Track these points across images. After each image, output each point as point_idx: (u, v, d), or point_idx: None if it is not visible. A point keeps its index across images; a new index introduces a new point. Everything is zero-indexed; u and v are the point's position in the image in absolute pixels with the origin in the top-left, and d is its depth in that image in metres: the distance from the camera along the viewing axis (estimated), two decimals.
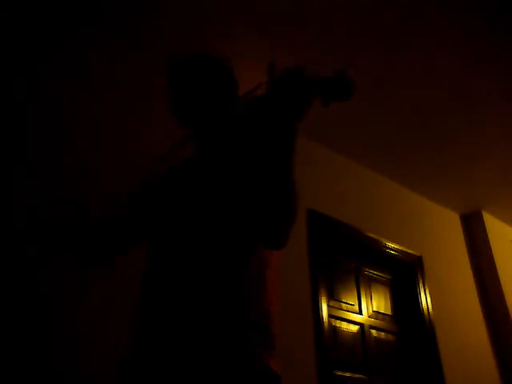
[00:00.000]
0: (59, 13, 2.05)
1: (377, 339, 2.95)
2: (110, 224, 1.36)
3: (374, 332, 2.96)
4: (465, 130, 3.00)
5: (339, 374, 2.59)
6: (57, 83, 2.01)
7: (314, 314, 2.50)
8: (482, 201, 3.91)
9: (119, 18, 2.15)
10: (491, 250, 3.84)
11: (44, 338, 1.60)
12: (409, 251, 3.33)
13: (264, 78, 0.97)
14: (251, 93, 1.02)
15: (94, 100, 2.08)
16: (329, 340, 2.55)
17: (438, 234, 3.73)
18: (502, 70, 2.54)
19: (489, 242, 3.88)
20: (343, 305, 2.84)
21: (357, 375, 2.71)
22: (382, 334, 3.02)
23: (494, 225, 4.09)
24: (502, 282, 3.73)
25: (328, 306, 2.66)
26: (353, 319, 2.85)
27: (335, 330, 2.71)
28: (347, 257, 3.04)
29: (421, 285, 3.28)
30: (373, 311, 3.03)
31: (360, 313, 2.93)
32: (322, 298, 2.59)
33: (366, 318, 2.95)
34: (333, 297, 2.79)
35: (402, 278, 3.32)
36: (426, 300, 3.24)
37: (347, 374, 2.65)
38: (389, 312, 3.15)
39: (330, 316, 2.68)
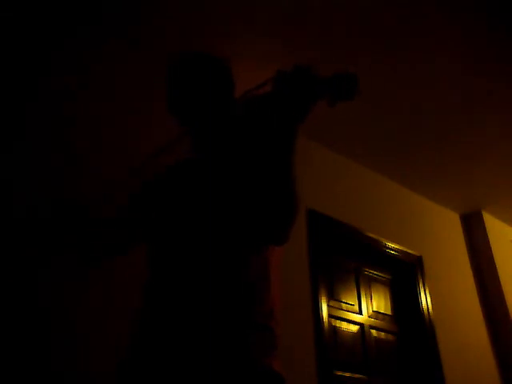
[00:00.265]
0: (59, 13, 2.05)
1: (377, 339, 2.95)
2: (110, 224, 1.36)
3: (374, 332, 2.96)
4: (465, 130, 3.00)
5: (339, 373, 2.59)
6: (57, 83, 2.01)
7: (314, 314, 2.50)
8: (482, 201, 3.91)
9: (119, 17, 2.15)
10: (491, 250, 3.84)
11: (44, 338, 1.60)
12: (409, 251, 3.33)
13: (266, 77, 0.97)
14: (256, 89, 1.02)
15: (93, 100, 2.08)
16: (329, 340, 2.55)
17: (438, 234, 3.73)
18: (502, 69, 2.54)
19: (489, 241, 3.88)
20: (343, 305, 2.84)
21: (357, 375, 2.71)
22: (382, 334, 3.02)
23: (493, 225, 4.09)
24: (502, 282, 3.73)
25: (328, 306, 2.66)
26: (353, 319, 2.85)
27: (335, 330, 2.71)
28: (347, 257, 3.04)
29: (421, 285, 3.28)
30: (373, 311, 3.03)
31: (360, 313, 2.93)
32: (322, 297, 2.59)
33: (366, 318, 2.95)
34: (333, 297, 2.79)
35: (402, 278, 3.32)
36: (426, 300, 3.24)
37: (347, 374, 2.65)
38: (389, 312, 3.15)
39: (330, 316, 2.68)
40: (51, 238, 1.68)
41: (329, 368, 2.46)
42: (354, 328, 2.85)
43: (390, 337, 3.07)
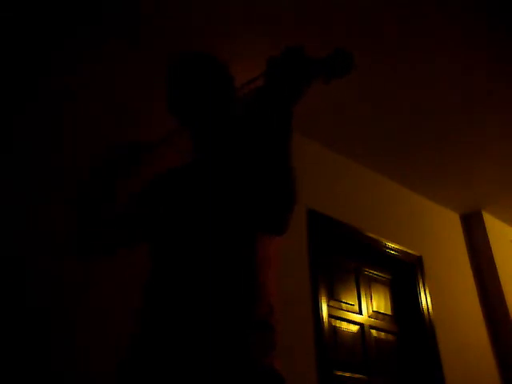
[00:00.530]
0: (59, 13, 2.05)
1: (377, 339, 2.95)
2: (109, 224, 1.36)
3: (374, 332, 2.96)
4: (465, 129, 3.00)
5: (339, 373, 2.59)
6: (57, 83, 2.01)
7: (314, 314, 2.50)
8: (482, 201, 3.91)
9: (119, 17, 2.15)
10: (491, 250, 3.84)
11: (44, 338, 1.60)
12: (409, 251, 3.33)
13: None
14: (250, 83, 1.02)
15: (93, 100, 2.08)
16: (329, 340, 2.55)
17: (438, 234, 3.73)
18: (502, 69, 2.54)
19: (489, 241, 3.88)
20: (343, 305, 2.84)
21: (357, 375, 2.71)
22: (382, 334, 3.02)
23: (493, 225, 4.09)
24: (502, 282, 3.73)
25: (328, 306, 2.66)
26: (353, 319, 2.85)
27: (335, 330, 2.71)
28: (347, 257, 3.04)
29: (421, 285, 3.28)
30: (373, 311, 3.03)
31: (360, 313, 2.93)
32: (322, 298, 2.59)
33: (366, 318, 2.95)
34: (333, 297, 2.79)
35: (402, 277, 3.32)
36: (426, 300, 3.24)
37: (347, 374, 2.65)
38: (389, 312, 3.15)
39: (330, 316, 2.68)
40: (51, 237, 1.68)
41: (329, 368, 2.46)
42: (354, 328, 2.85)
43: (390, 337, 3.07)
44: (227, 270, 1.01)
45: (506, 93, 2.70)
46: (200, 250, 1.03)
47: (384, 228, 3.22)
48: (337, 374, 2.57)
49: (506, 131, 3.03)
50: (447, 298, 3.45)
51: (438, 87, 2.65)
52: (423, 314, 3.17)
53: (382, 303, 3.13)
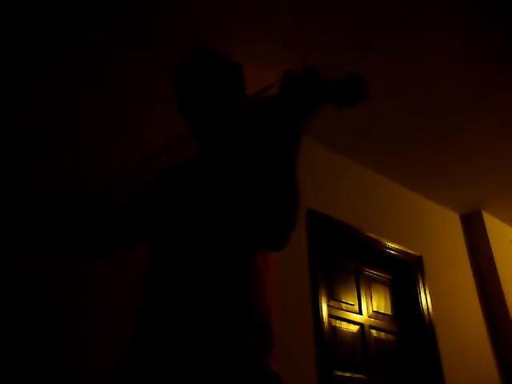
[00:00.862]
0: (59, 13, 2.05)
1: (377, 339, 2.95)
2: (110, 223, 1.36)
3: (374, 332, 2.96)
4: (465, 130, 3.00)
5: (339, 374, 2.59)
6: (57, 83, 2.01)
7: (314, 314, 2.50)
8: (482, 201, 3.91)
9: (119, 17, 2.15)
10: (491, 250, 3.84)
11: (44, 338, 1.60)
12: (409, 251, 3.33)
13: (266, 77, 0.96)
14: (263, 92, 1.02)
15: (93, 100, 2.08)
16: (329, 340, 2.55)
17: (438, 234, 3.73)
18: (502, 70, 2.54)
19: (489, 242, 3.88)
20: (343, 305, 2.84)
21: (357, 375, 2.71)
22: (382, 334, 3.02)
23: (493, 225, 4.09)
24: (502, 282, 3.73)
25: (328, 306, 2.66)
26: (353, 319, 2.85)
27: (335, 330, 2.71)
28: (347, 257, 3.04)
29: (421, 285, 3.28)
30: (373, 311, 3.03)
31: (360, 313, 2.93)
32: (322, 297, 2.59)
33: (366, 318, 2.95)
34: (333, 297, 2.79)
35: (402, 277, 3.32)
36: (426, 300, 3.24)
37: (347, 374, 2.65)
38: (389, 312, 3.15)
39: (330, 316, 2.68)
40: (51, 237, 1.68)
41: (329, 368, 2.46)
42: (354, 328, 2.85)
43: (390, 337, 3.07)
44: (227, 271, 1.01)
45: (506, 93, 2.70)
46: (199, 251, 1.03)
47: (384, 228, 3.22)
48: (337, 374, 2.57)
49: (506, 131, 3.03)
50: (447, 298, 3.45)
51: (438, 87, 2.65)
52: (423, 314, 3.17)
53: (382, 303, 3.13)
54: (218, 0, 2.09)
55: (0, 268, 1.60)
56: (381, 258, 3.20)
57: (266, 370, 0.95)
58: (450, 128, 2.98)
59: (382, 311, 3.09)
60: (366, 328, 2.91)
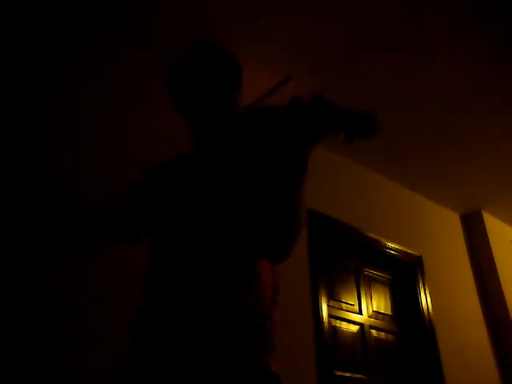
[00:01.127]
0: (59, 13, 2.05)
1: (377, 339, 2.95)
2: (109, 224, 1.35)
3: (374, 332, 2.96)
4: (465, 130, 3.00)
5: (339, 374, 2.59)
6: (57, 83, 2.01)
7: (314, 314, 2.50)
8: (482, 201, 3.91)
9: (119, 17, 2.15)
10: (491, 250, 3.84)
11: (44, 338, 1.60)
12: (409, 251, 3.33)
13: (266, 78, 0.96)
14: (265, 98, 1.02)
15: (93, 100, 2.08)
16: (329, 340, 2.55)
17: (438, 234, 3.73)
18: (502, 70, 2.54)
19: (489, 242, 3.88)
20: (343, 305, 2.84)
21: (357, 375, 2.71)
22: (382, 334, 3.02)
23: (493, 225, 4.09)
24: (502, 282, 3.73)
25: (328, 306, 2.66)
26: (353, 319, 2.85)
27: (335, 330, 2.71)
28: (347, 257, 3.04)
29: (421, 285, 3.28)
30: (373, 311, 3.03)
31: (360, 313, 2.93)
32: (322, 297, 2.59)
33: (366, 318, 2.95)
34: (333, 297, 2.79)
35: (402, 277, 3.32)
36: (426, 300, 3.24)
37: (347, 374, 2.65)
38: (389, 312, 3.15)
39: (330, 316, 2.68)
40: (51, 237, 1.68)
41: (329, 368, 2.46)
42: (354, 328, 2.85)
43: (390, 337, 3.07)
44: (227, 271, 1.01)
45: (506, 93, 2.70)
46: (200, 252, 1.03)
47: (384, 228, 3.22)
48: (337, 374, 2.57)
49: (506, 131, 3.03)
50: (447, 298, 3.45)
51: (438, 87, 2.65)
52: (423, 314, 3.17)
53: (382, 303, 3.13)
54: (217, 0, 2.09)
55: (0, 268, 1.60)
56: (381, 258, 3.20)
57: (265, 370, 0.95)
58: (449, 128, 2.98)
59: (382, 311, 3.09)
60: (366, 328, 2.91)
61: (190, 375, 0.92)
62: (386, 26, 2.25)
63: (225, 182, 1.09)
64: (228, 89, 1.20)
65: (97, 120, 2.05)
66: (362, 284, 3.05)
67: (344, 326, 2.78)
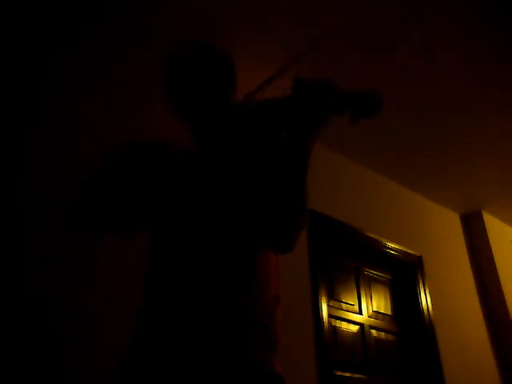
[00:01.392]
0: (59, 13, 2.05)
1: (377, 339, 2.95)
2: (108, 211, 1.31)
3: (374, 332, 2.96)
4: (465, 130, 3.00)
5: (339, 374, 2.59)
6: (57, 83, 2.01)
7: (314, 314, 2.50)
8: (482, 201, 3.91)
9: (119, 18, 2.15)
10: (491, 250, 3.84)
11: (44, 338, 1.60)
12: (409, 251, 3.33)
13: (265, 78, 0.96)
14: (257, 92, 1.01)
15: (93, 100, 2.08)
16: (329, 340, 2.55)
17: (438, 234, 3.73)
18: (502, 70, 2.54)
19: (489, 242, 3.88)
20: (343, 305, 2.84)
21: (357, 375, 2.71)
22: (382, 334, 3.02)
23: (493, 225, 4.09)
24: (502, 282, 3.73)
25: (328, 306, 2.66)
26: (353, 319, 2.85)
27: (335, 330, 2.71)
28: (347, 257, 3.04)
29: (421, 285, 3.28)
30: (373, 311, 3.02)
31: (360, 313, 2.93)
32: (322, 297, 2.59)
33: (366, 318, 2.95)
34: (333, 297, 2.79)
35: (402, 278, 3.32)
36: (426, 300, 3.24)
37: (347, 374, 2.65)
38: (389, 312, 3.15)
39: (330, 316, 2.68)
40: (51, 237, 1.68)
41: (329, 368, 2.46)
42: (354, 328, 2.85)
43: (390, 337, 3.07)
44: (228, 271, 1.00)
45: (506, 93, 2.70)
46: (200, 251, 1.03)
47: (384, 228, 3.22)
48: (337, 374, 2.57)
49: (505, 132, 3.03)
50: (447, 298, 3.45)
51: (438, 87, 2.65)
52: (423, 314, 3.17)
53: (382, 303, 3.13)
54: (217, 0, 2.09)
55: (0, 268, 1.60)
56: (381, 257, 3.20)
57: (269, 370, 0.95)
58: (450, 128, 2.98)
59: (382, 311, 3.09)
60: (366, 328, 2.91)
61: (191, 375, 0.91)
62: (386, 25, 2.25)
63: (225, 182, 1.09)
64: (226, 90, 1.20)
65: (97, 120, 2.05)
66: (362, 284, 3.05)
67: (344, 326, 2.78)
